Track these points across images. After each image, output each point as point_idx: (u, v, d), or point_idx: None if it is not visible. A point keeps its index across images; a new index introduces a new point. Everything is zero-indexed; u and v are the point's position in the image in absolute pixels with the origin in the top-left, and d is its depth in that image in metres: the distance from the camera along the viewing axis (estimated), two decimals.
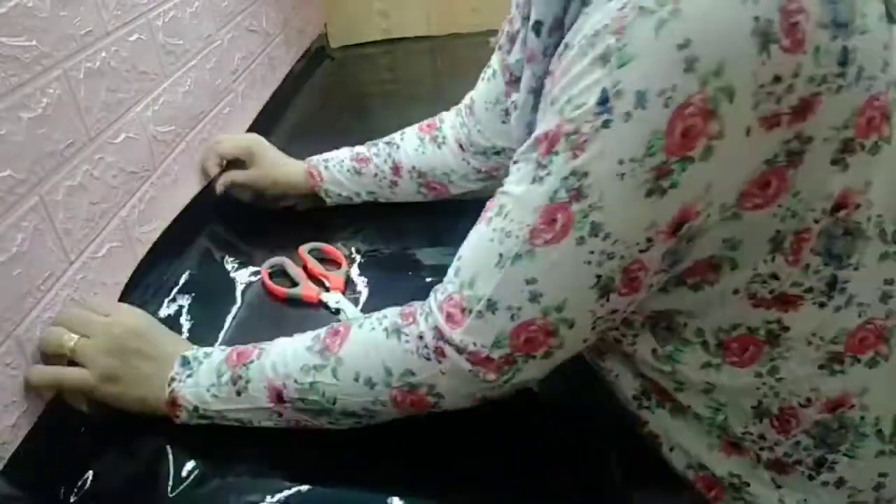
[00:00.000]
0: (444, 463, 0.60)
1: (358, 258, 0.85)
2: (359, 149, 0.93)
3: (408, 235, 0.92)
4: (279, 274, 0.83)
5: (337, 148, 0.95)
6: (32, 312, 0.62)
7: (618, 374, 0.62)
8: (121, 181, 0.77)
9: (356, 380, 0.56)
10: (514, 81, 0.63)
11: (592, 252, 0.47)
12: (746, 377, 0.54)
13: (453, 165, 0.88)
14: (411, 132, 0.91)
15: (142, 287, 0.79)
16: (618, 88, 0.42)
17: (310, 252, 0.85)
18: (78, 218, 0.69)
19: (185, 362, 0.62)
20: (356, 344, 0.57)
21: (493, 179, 0.88)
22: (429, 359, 0.54)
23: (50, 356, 0.63)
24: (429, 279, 0.80)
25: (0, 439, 0.58)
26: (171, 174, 0.89)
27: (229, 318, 0.78)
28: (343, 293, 0.78)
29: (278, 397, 0.58)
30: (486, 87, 0.84)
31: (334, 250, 0.85)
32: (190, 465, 0.60)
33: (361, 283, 0.81)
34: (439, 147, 0.88)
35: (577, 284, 0.48)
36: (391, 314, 0.58)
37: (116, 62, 0.77)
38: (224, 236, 0.93)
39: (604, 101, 0.43)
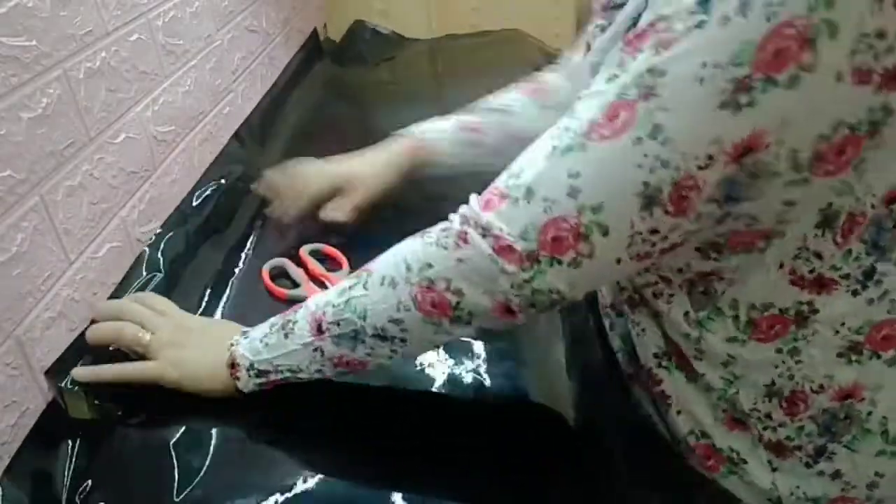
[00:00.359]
0: (446, 459, 0.60)
1: (362, 259, 0.85)
2: (463, 116, 0.85)
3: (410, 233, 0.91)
4: (280, 275, 0.83)
5: (339, 148, 0.93)
6: (32, 312, 0.62)
7: (644, 328, 0.62)
8: (121, 181, 0.77)
9: (382, 283, 0.55)
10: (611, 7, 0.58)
11: (646, 155, 0.44)
12: (767, 352, 0.54)
13: None
14: (523, 98, 0.83)
15: (137, 286, 0.79)
16: None
17: (310, 253, 0.85)
18: (78, 218, 0.69)
19: (244, 333, 0.64)
20: (385, 254, 0.58)
21: None
22: (446, 248, 0.52)
23: (114, 347, 0.67)
24: None
25: (0, 439, 0.58)
26: (171, 174, 0.89)
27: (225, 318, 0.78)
28: None
29: (318, 328, 0.58)
30: None
31: (335, 251, 0.85)
32: (195, 466, 0.60)
33: None
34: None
35: (622, 187, 0.45)
36: None
37: (116, 62, 0.77)
38: (223, 236, 0.93)
39: (705, 0, 0.41)
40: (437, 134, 0.84)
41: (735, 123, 0.42)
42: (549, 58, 1.51)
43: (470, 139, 0.83)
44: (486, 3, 1.64)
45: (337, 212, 0.84)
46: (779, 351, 0.54)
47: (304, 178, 0.87)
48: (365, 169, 0.85)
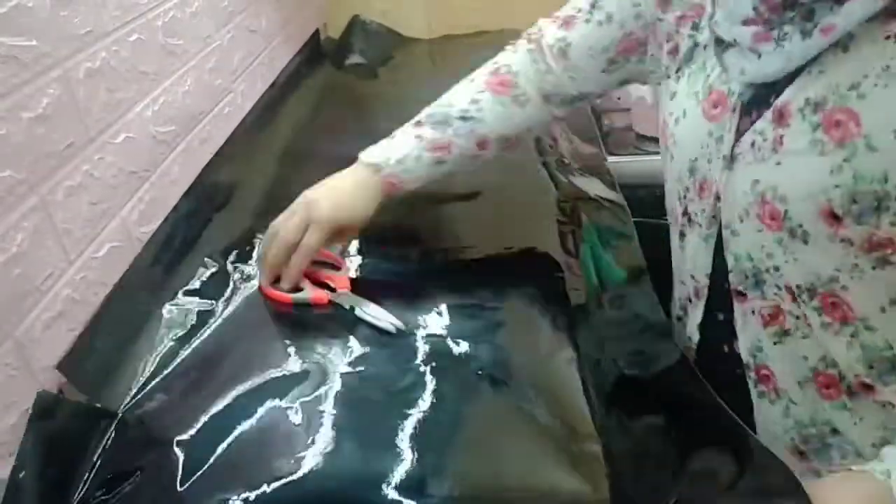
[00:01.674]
0: (441, 450, 0.60)
1: (357, 259, 0.85)
2: (429, 134, 0.78)
3: (403, 235, 0.91)
4: (276, 282, 0.81)
5: (340, 148, 0.92)
6: (32, 312, 0.62)
7: (863, 417, 0.63)
8: (121, 181, 0.77)
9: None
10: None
11: None
12: None
13: (536, 119, 0.81)
14: (488, 99, 0.79)
15: (136, 289, 0.79)
16: None
17: None
18: (78, 218, 0.69)
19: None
20: None
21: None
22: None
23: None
24: (425, 279, 0.80)
25: (0, 439, 0.58)
26: (171, 174, 0.89)
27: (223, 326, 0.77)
28: (351, 291, 0.78)
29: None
30: (593, 31, 0.76)
31: (329, 253, 0.84)
32: (197, 459, 0.60)
33: (363, 284, 0.81)
34: (523, 107, 0.79)
35: None
36: None
37: (116, 62, 0.77)
38: (214, 248, 0.93)
39: None
40: (408, 164, 0.78)
41: None
42: None
43: (438, 158, 0.79)
44: (485, 3, 1.64)
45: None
46: None
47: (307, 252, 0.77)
48: (351, 216, 0.78)
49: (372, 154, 0.79)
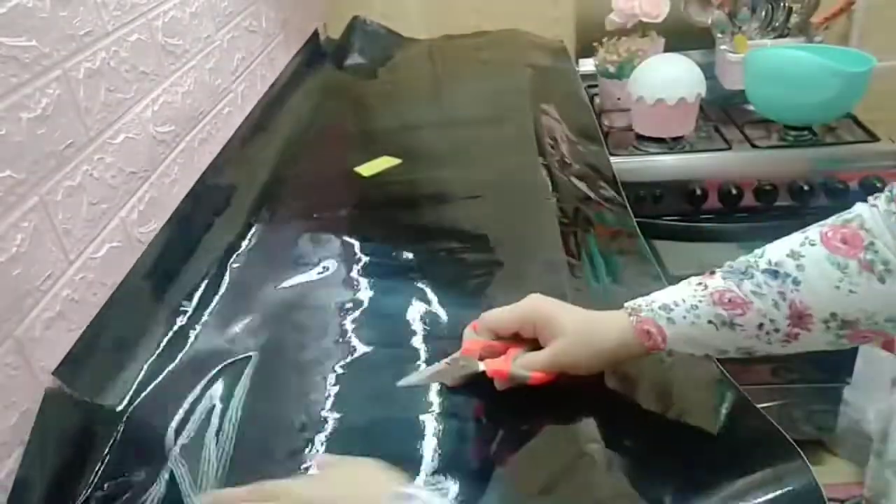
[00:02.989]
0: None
1: (363, 259, 0.85)
2: (718, 283, 0.57)
3: (404, 235, 0.91)
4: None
5: (340, 148, 0.92)
6: (32, 312, 0.62)
7: None
8: (121, 181, 0.77)
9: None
10: None
11: None
12: None
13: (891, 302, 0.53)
14: (818, 254, 0.54)
15: (136, 289, 0.79)
16: None
17: None
18: (78, 218, 0.69)
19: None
20: None
21: None
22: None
23: None
24: (421, 283, 0.80)
25: (0, 439, 0.58)
26: (171, 174, 0.89)
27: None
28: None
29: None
30: None
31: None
32: (200, 457, 0.60)
33: (365, 284, 0.81)
34: (881, 281, 0.52)
35: None
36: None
37: (116, 62, 0.77)
38: (214, 249, 0.93)
39: None
40: (678, 312, 0.58)
41: None
42: (553, 57, 1.51)
43: (725, 317, 0.56)
44: (485, 3, 1.64)
45: (523, 371, 0.62)
46: None
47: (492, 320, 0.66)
48: (589, 362, 0.62)
49: (638, 300, 0.61)
